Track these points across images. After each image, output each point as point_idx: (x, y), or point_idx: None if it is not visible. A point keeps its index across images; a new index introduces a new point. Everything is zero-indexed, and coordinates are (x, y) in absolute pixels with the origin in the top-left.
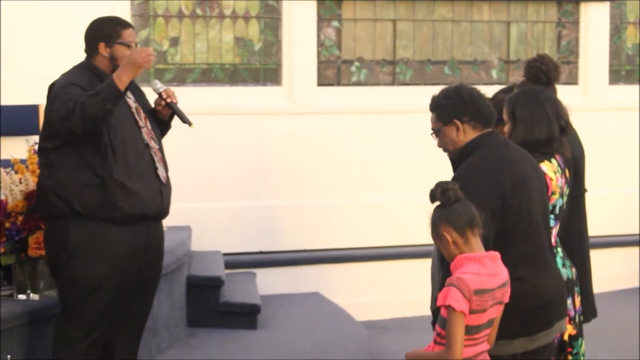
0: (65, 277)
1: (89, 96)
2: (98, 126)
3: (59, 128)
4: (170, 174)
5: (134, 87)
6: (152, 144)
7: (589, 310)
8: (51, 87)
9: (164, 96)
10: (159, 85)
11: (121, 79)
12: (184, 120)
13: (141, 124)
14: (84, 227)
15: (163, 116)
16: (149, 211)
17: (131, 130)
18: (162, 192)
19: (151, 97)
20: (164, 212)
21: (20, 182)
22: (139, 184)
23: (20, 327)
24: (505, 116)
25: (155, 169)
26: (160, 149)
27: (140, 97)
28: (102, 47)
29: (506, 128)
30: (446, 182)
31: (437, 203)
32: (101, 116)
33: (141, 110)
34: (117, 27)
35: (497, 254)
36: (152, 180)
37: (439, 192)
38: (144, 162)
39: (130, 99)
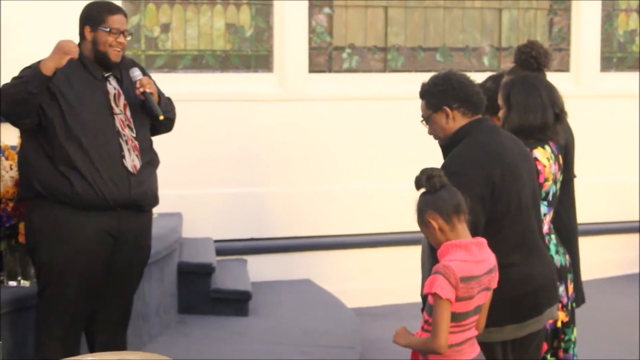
0: (34, 261)
1: (13, 78)
2: (19, 108)
3: None
4: (161, 161)
5: (125, 73)
6: (127, 131)
7: (577, 296)
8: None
9: (137, 85)
10: (136, 73)
11: (46, 64)
12: (154, 110)
13: (117, 110)
14: (46, 210)
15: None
16: (111, 199)
17: (100, 116)
18: (130, 182)
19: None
20: (135, 202)
21: (11, 169)
22: (98, 170)
23: (11, 314)
24: (500, 101)
25: (122, 157)
26: (139, 138)
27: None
28: (87, 30)
29: (501, 113)
30: (431, 169)
31: (423, 190)
32: (20, 98)
33: (122, 97)
34: (104, 13)
35: (483, 240)
36: (116, 168)
37: (424, 179)
38: (109, 149)
39: (112, 85)
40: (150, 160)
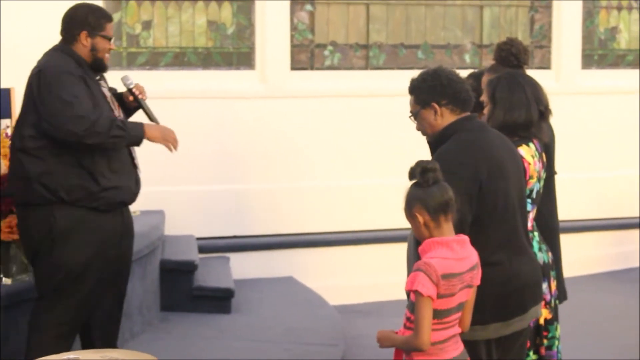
0: (48, 264)
1: (117, 126)
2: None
3: (67, 134)
4: (144, 158)
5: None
6: None
7: (560, 293)
8: (39, 71)
9: (136, 92)
10: (130, 80)
11: (148, 138)
12: (151, 118)
13: (116, 113)
14: (68, 213)
15: (129, 105)
16: (127, 199)
17: None
18: (137, 180)
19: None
20: (136, 199)
21: None
22: (120, 174)
23: None
24: (485, 97)
25: (132, 158)
26: None
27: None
28: (83, 35)
29: (486, 110)
30: (427, 162)
31: (415, 180)
32: (112, 146)
33: (114, 99)
34: (102, 20)
35: (465, 238)
36: (130, 169)
37: (418, 171)
38: (123, 152)
39: (105, 88)
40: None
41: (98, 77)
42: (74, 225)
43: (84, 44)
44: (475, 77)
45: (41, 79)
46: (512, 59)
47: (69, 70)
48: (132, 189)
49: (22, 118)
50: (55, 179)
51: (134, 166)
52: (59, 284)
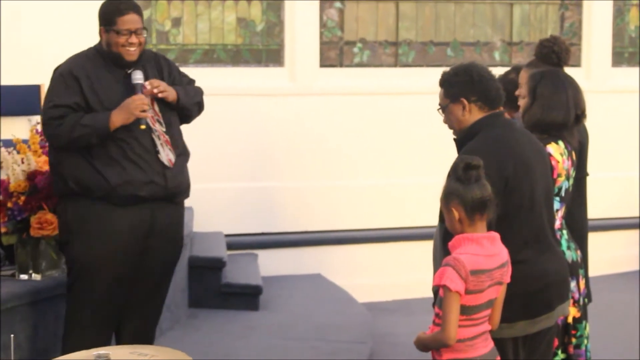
0: (67, 256)
1: (80, 125)
2: (75, 146)
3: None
4: None
5: (154, 65)
6: (157, 126)
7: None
8: (55, 70)
9: (148, 88)
10: (137, 76)
11: (114, 122)
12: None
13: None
14: (80, 206)
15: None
16: (148, 195)
17: None
18: (165, 175)
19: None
20: (171, 195)
21: (22, 162)
22: (132, 166)
23: (22, 307)
24: (523, 91)
25: (157, 152)
26: (169, 132)
27: (165, 76)
28: (101, 31)
29: (522, 102)
30: (472, 158)
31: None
32: (81, 143)
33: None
34: (115, 14)
35: (496, 235)
36: (151, 162)
37: (461, 167)
38: (142, 144)
39: (138, 81)
40: (182, 152)
41: (129, 70)
42: (85, 218)
43: (103, 39)
44: (519, 71)
45: (52, 76)
46: (553, 56)
47: (66, 70)
48: (152, 182)
49: None
50: (65, 169)
51: (158, 160)
52: (75, 277)
